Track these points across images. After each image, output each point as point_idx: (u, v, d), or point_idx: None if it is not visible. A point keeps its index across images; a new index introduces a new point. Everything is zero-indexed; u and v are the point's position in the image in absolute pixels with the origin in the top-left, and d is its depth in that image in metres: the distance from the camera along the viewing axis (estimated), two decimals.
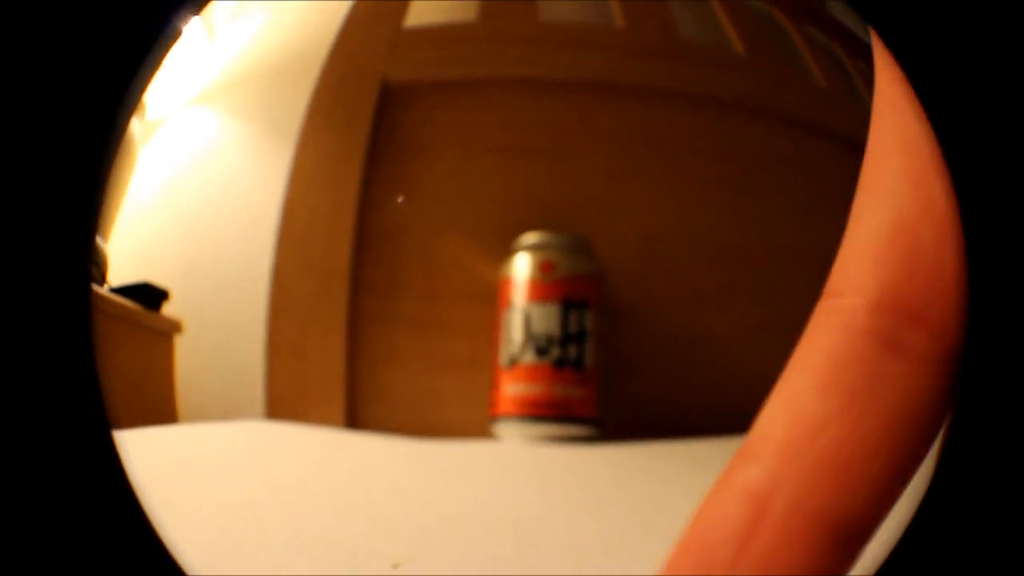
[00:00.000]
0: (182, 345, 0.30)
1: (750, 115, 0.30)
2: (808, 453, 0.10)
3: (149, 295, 0.31)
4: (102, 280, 0.31)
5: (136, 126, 0.34)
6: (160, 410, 0.29)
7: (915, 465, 0.10)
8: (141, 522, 0.14)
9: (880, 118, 0.10)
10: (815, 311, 0.11)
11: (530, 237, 0.27)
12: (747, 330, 0.28)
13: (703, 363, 0.27)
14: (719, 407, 0.27)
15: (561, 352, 0.26)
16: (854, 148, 0.32)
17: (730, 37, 0.31)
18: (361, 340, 0.27)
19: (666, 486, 0.23)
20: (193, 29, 0.34)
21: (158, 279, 0.31)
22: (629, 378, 0.27)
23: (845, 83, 0.32)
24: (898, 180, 0.10)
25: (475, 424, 0.26)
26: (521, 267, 0.27)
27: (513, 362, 0.26)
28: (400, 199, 0.28)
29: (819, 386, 0.10)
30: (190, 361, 0.30)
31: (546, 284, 0.26)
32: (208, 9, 0.34)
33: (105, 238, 0.32)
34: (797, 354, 0.11)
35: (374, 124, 0.28)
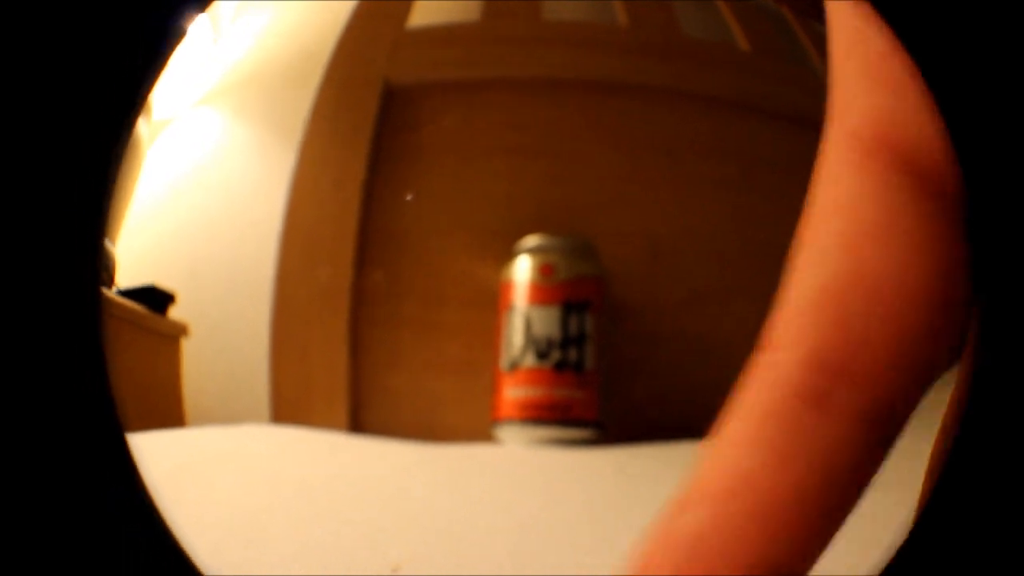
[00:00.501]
0: (188, 348, 0.30)
1: (754, 115, 0.30)
2: (738, 503, 0.10)
3: (155, 298, 0.31)
4: (111, 283, 0.32)
5: (143, 128, 0.34)
6: (167, 413, 0.29)
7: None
8: (157, 523, 0.14)
9: (820, 177, 0.11)
10: (751, 364, 0.11)
11: (531, 240, 0.27)
12: (749, 332, 0.28)
13: (704, 365, 0.27)
14: (720, 410, 0.26)
15: (561, 355, 0.26)
16: None
17: (735, 35, 0.31)
18: (364, 344, 0.27)
19: (668, 488, 0.23)
20: (198, 31, 0.34)
21: (164, 282, 0.31)
22: (631, 380, 0.27)
23: None
24: (831, 245, 0.10)
25: (477, 428, 0.26)
26: (522, 270, 0.27)
27: (514, 365, 0.26)
28: (409, 197, 0.28)
29: (749, 440, 0.10)
30: (196, 364, 0.30)
31: (546, 287, 0.26)
32: (212, 10, 0.34)
33: (113, 241, 0.32)
34: (733, 406, 0.11)
35: (377, 126, 0.28)
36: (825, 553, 0.10)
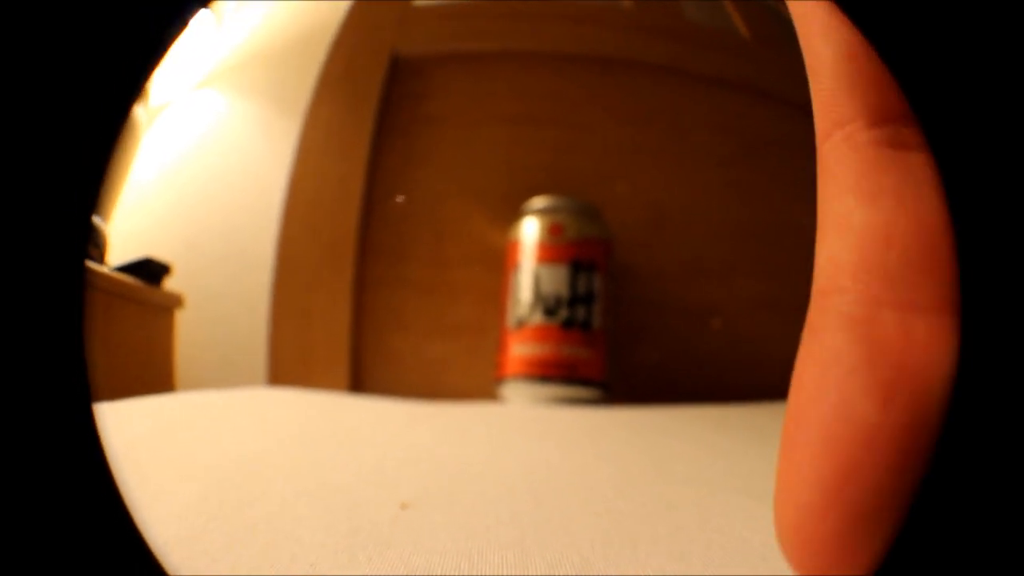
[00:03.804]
0: (185, 318, 0.30)
1: (755, 96, 0.30)
2: (885, 261, 0.10)
3: (151, 270, 0.31)
4: (101, 259, 0.31)
5: (141, 110, 0.34)
6: (159, 383, 0.29)
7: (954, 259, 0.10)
8: (117, 501, 0.14)
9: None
10: (821, 154, 0.11)
11: (539, 201, 0.27)
12: (746, 303, 0.28)
13: (703, 333, 0.27)
14: (719, 376, 0.27)
15: (569, 313, 0.26)
16: None
17: (736, 24, 0.32)
18: (367, 305, 0.27)
19: (677, 439, 0.22)
20: (201, 20, 0.34)
21: (163, 254, 0.31)
22: (633, 344, 0.26)
23: None
24: (830, 25, 0.11)
25: (480, 388, 0.26)
26: (530, 230, 0.27)
27: (521, 323, 0.26)
28: (400, 198, 0.28)
29: (862, 199, 0.10)
30: (192, 334, 0.29)
31: (555, 246, 0.26)
32: (216, 4, 0.35)
33: (107, 219, 0.32)
34: (824, 191, 0.11)
35: (383, 96, 0.28)
36: None
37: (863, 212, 0.10)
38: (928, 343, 0.10)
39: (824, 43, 0.11)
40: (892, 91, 0.11)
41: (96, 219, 0.33)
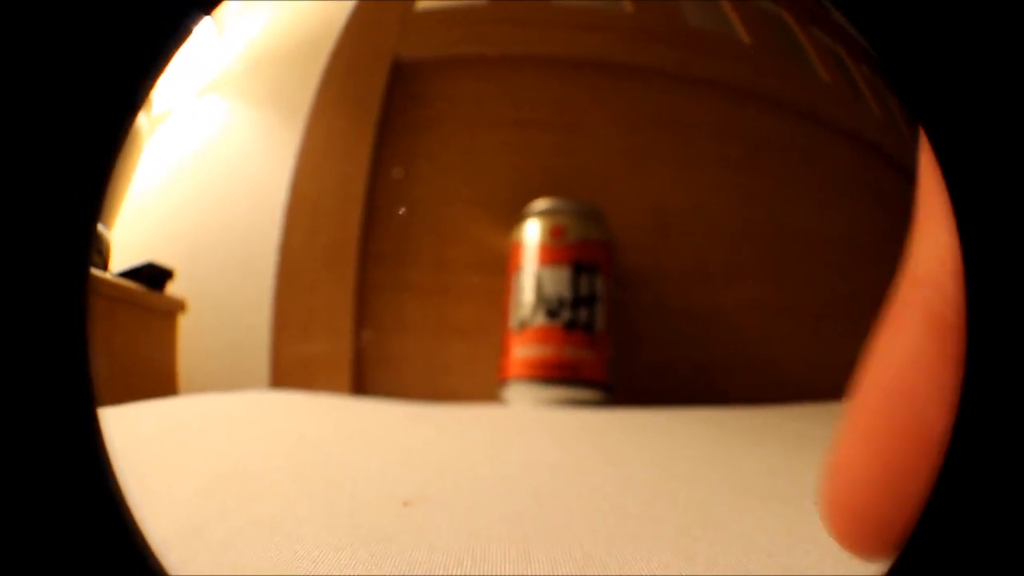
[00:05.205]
0: (188, 323, 0.30)
1: (756, 101, 0.30)
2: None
3: (154, 275, 0.31)
4: (104, 265, 0.31)
5: (144, 118, 0.34)
6: (162, 388, 0.29)
7: None
8: (119, 501, 0.14)
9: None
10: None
11: (541, 203, 0.27)
12: (749, 307, 0.28)
13: (707, 337, 0.27)
14: (722, 379, 0.27)
15: (572, 315, 0.26)
16: (855, 141, 0.32)
17: (737, 30, 0.32)
18: (369, 307, 0.27)
19: (680, 440, 0.22)
20: (202, 27, 0.34)
21: (165, 259, 0.31)
22: (636, 347, 0.26)
23: (848, 81, 0.33)
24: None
25: (483, 390, 0.26)
26: (532, 232, 0.27)
27: (523, 325, 0.26)
28: (402, 211, 0.28)
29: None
30: (195, 338, 0.29)
31: (557, 248, 0.26)
32: (219, 10, 0.35)
33: (110, 225, 0.32)
34: (931, 174, 0.10)
35: (385, 100, 0.29)
36: None
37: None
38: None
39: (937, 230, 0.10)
40: None
41: (99, 226, 0.33)
